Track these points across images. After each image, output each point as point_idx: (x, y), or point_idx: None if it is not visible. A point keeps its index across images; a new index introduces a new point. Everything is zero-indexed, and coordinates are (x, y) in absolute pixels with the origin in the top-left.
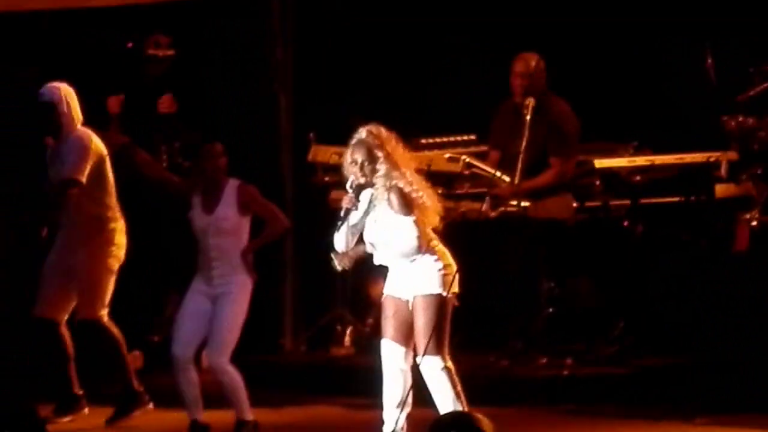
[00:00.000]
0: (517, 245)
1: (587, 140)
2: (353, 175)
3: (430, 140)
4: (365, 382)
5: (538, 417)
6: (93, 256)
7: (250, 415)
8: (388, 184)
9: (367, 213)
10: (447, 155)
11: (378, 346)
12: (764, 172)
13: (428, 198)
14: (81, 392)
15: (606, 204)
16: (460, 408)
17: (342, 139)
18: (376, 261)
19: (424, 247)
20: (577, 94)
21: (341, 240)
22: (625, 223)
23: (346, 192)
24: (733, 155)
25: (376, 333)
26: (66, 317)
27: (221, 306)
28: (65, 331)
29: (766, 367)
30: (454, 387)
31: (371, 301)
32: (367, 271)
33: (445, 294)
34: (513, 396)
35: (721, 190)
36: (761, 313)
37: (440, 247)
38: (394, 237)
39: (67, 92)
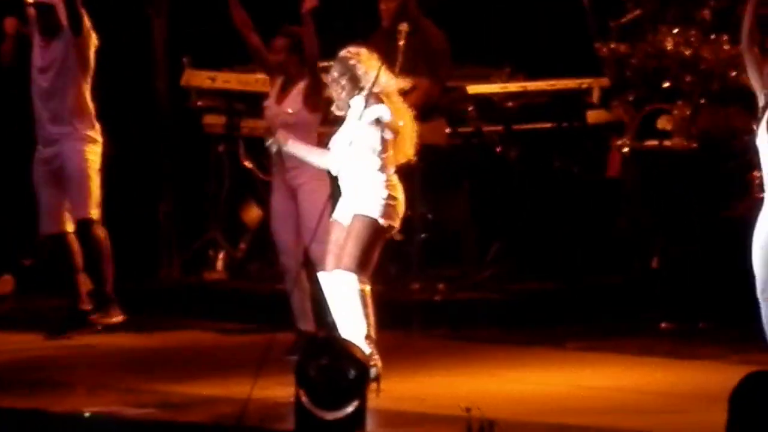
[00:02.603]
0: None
1: (460, 65)
2: (334, 93)
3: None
4: (237, 307)
5: (412, 342)
6: (79, 152)
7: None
8: (366, 100)
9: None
10: None
11: (250, 271)
12: (636, 98)
13: (406, 125)
14: (89, 308)
15: (479, 129)
16: (363, 329)
17: (216, 63)
18: (334, 171)
19: (384, 161)
20: (450, 18)
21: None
22: (499, 149)
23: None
24: (605, 81)
25: (249, 258)
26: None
27: (304, 204)
28: (73, 241)
29: (635, 291)
30: (364, 308)
31: (245, 226)
32: (241, 196)
33: (380, 221)
34: (388, 321)
35: (593, 116)
36: (631, 238)
37: (395, 179)
38: (360, 140)
39: None
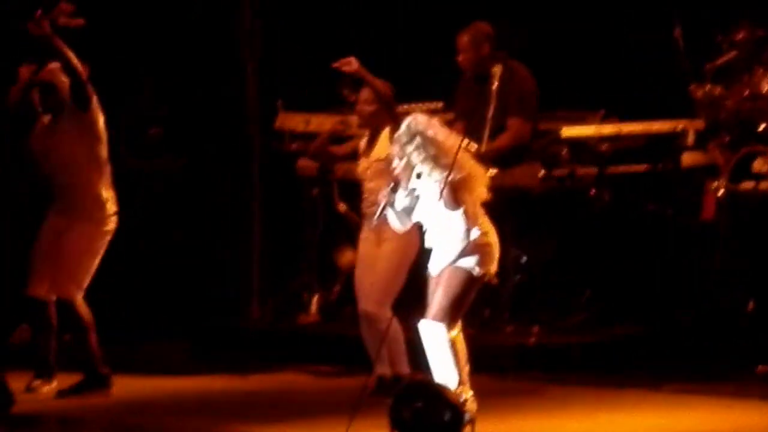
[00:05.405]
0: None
1: (554, 108)
2: (397, 163)
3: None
4: (331, 350)
5: (505, 385)
6: (83, 235)
7: (406, 368)
8: (435, 174)
9: (415, 195)
10: None
11: (344, 314)
12: (731, 140)
13: (475, 173)
14: (106, 372)
15: (573, 172)
16: (456, 376)
17: (309, 106)
18: (427, 243)
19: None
20: (546, 61)
21: (397, 226)
22: (592, 192)
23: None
24: (699, 124)
25: (343, 301)
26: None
27: (383, 252)
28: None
29: (731, 335)
30: (454, 355)
31: (338, 269)
32: (335, 239)
33: (475, 272)
34: (480, 364)
35: (687, 158)
36: (726, 281)
37: (486, 224)
38: (445, 229)
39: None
